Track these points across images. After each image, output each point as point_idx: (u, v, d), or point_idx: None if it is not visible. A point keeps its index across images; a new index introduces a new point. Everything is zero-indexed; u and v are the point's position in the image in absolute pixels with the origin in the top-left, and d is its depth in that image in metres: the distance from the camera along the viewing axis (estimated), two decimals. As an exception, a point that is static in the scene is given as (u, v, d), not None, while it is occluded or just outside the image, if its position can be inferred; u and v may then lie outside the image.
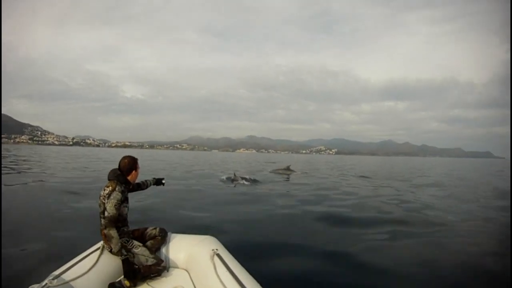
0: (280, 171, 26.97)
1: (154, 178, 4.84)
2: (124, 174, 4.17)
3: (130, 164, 4.20)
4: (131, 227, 4.30)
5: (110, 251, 3.86)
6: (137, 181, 4.44)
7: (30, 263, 5.16)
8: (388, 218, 9.37)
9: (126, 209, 4.13)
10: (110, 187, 3.93)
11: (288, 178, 22.45)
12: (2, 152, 50.88)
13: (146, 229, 4.33)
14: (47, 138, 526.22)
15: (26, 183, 14.78)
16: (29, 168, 23.89)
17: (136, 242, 4.04)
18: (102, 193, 3.96)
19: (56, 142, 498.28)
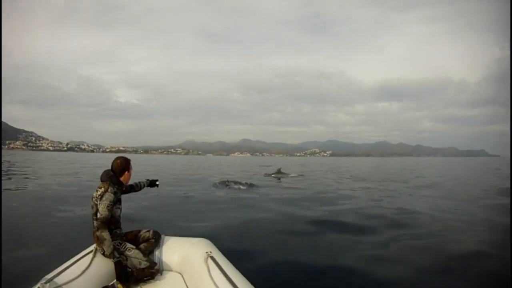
0: (273, 175, 26.97)
1: (147, 180, 4.85)
2: (117, 175, 4.16)
3: (122, 165, 4.20)
4: (124, 229, 4.30)
5: (103, 254, 3.84)
6: (130, 182, 4.48)
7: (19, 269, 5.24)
8: (383, 222, 9.25)
9: (119, 210, 4.12)
10: (103, 188, 3.92)
11: (280, 181, 22.44)
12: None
13: (139, 231, 4.35)
14: (42, 143, 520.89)
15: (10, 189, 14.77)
16: (14, 174, 23.99)
17: (129, 245, 4.02)
18: (94, 195, 3.94)
19: (51, 148, 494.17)
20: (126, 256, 3.89)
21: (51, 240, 7.06)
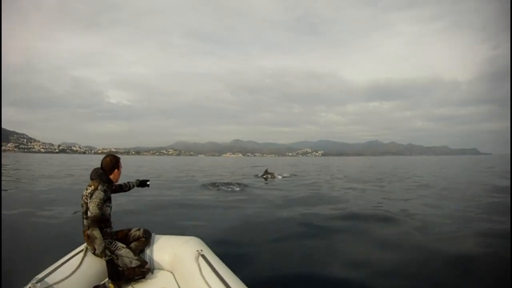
0: (264, 176, 26.73)
1: (137, 180, 4.79)
2: (107, 173, 4.13)
3: (112, 162, 4.18)
4: (114, 228, 4.26)
5: (94, 253, 3.83)
6: (120, 182, 4.48)
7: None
8: (377, 223, 8.95)
9: (109, 209, 4.10)
10: (92, 186, 3.89)
11: (269, 182, 22.19)
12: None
13: (130, 230, 4.33)
14: (33, 145, 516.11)
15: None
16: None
17: (119, 244, 4.02)
18: (84, 193, 3.92)
19: (42, 150, 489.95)
20: (116, 255, 3.83)
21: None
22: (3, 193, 14.13)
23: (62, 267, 3.48)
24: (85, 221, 3.85)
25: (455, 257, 6.18)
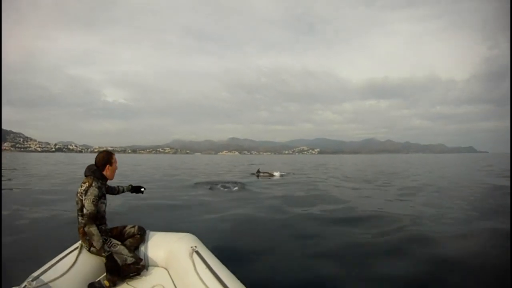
0: (259, 174, 26.45)
1: (130, 185, 4.73)
2: (100, 169, 4.05)
3: (104, 158, 4.10)
4: (109, 225, 4.20)
5: (89, 250, 3.81)
6: (116, 180, 4.33)
7: None
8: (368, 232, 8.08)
9: (104, 205, 4.02)
10: (87, 183, 3.82)
11: (266, 181, 21.63)
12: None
13: (124, 227, 4.28)
14: (30, 145, 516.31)
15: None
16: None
17: (114, 241, 3.93)
18: (79, 190, 3.84)
19: (39, 149, 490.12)
20: (111, 252, 3.76)
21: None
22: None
23: (57, 265, 3.46)
24: (80, 218, 3.79)
25: (457, 258, 6.07)
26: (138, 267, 3.87)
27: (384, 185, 18.91)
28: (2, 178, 21.39)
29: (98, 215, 3.85)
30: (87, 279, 3.59)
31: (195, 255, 3.68)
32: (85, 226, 3.70)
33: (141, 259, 3.96)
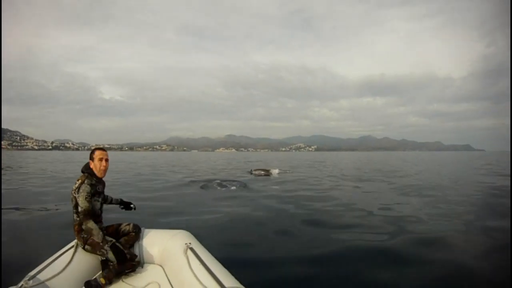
0: (257, 172, 25.97)
1: (121, 199, 4.73)
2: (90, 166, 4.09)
3: (90, 155, 4.14)
4: (104, 223, 4.21)
5: (84, 248, 3.82)
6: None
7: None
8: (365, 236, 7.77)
9: (99, 203, 4.03)
10: (80, 181, 3.87)
11: (264, 179, 21.42)
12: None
13: (119, 225, 4.30)
14: (27, 143, 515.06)
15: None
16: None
17: (108, 238, 3.89)
18: (73, 187, 3.88)
19: (36, 147, 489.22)
20: (106, 250, 3.77)
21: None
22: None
23: (53, 264, 3.48)
24: (74, 215, 3.83)
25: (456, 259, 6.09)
26: (133, 264, 3.88)
27: (383, 183, 18.73)
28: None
29: (92, 213, 3.85)
30: (84, 277, 3.59)
31: (189, 252, 3.71)
32: (81, 224, 3.73)
33: (136, 256, 3.97)
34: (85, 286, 3.47)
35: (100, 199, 4.07)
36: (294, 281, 5.02)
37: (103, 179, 4.31)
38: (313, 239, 7.16)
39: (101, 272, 3.75)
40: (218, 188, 15.93)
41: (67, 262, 3.59)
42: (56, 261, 3.55)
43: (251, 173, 25.83)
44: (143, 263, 4.18)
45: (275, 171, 26.32)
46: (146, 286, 3.66)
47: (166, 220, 8.90)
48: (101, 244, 3.78)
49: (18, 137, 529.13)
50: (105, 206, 4.10)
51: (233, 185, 16.71)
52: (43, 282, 3.13)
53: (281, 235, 7.53)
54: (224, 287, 3.01)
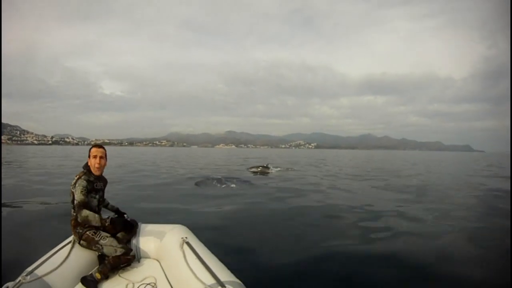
0: (257, 169, 25.75)
1: (117, 208, 4.63)
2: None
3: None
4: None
5: (79, 243, 3.84)
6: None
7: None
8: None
9: (95, 200, 4.03)
10: (77, 176, 3.90)
11: (263, 177, 21.24)
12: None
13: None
14: (26, 137, 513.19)
15: None
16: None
17: (103, 233, 3.90)
18: (72, 183, 3.91)
19: (35, 142, 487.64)
20: (101, 245, 3.80)
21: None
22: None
23: (50, 259, 3.50)
24: (72, 210, 3.86)
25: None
26: (129, 258, 3.87)
27: (385, 183, 18.31)
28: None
29: (89, 209, 3.85)
30: (81, 273, 3.61)
31: (185, 246, 3.75)
32: (77, 216, 3.76)
33: (131, 249, 3.97)
34: (81, 281, 3.50)
35: (97, 196, 4.07)
36: (289, 275, 5.12)
37: (105, 177, 4.34)
38: (310, 236, 7.21)
39: (97, 267, 3.73)
40: (216, 185, 15.85)
41: (64, 257, 3.60)
42: (53, 257, 3.57)
43: (249, 170, 25.68)
44: (140, 257, 4.19)
45: (273, 169, 26.12)
46: (142, 280, 3.66)
47: (163, 215, 8.94)
48: (96, 239, 3.81)
49: (18, 132, 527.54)
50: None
51: (231, 182, 16.60)
52: (40, 277, 3.16)
53: (277, 232, 7.59)
54: (220, 281, 3.01)
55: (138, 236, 4.31)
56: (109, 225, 3.89)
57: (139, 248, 4.22)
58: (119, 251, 3.79)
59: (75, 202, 3.77)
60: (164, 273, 3.83)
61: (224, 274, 3.17)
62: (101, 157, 4.10)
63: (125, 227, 4.05)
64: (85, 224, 3.82)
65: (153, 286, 3.57)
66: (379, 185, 17.33)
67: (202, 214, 9.19)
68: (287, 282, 4.96)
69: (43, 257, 3.57)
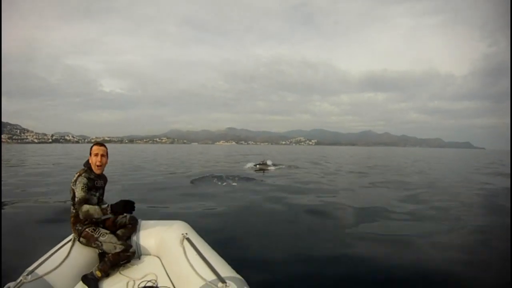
0: (256, 166, 25.54)
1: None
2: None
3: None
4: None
5: (79, 241, 3.83)
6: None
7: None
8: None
9: (95, 198, 3.98)
10: (78, 174, 3.87)
11: (262, 174, 20.96)
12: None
13: (116, 217, 4.24)
14: (27, 136, 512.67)
15: None
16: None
17: (103, 230, 3.89)
18: (72, 180, 3.87)
19: (36, 140, 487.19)
20: (100, 242, 3.78)
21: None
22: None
23: (51, 258, 3.48)
24: (71, 207, 3.85)
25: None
26: (128, 254, 3.84)
27: (387, 181, 17.91)
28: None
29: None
30: (81, 271, 3.60)
31: (185, 242, 3.73)
32: (77, 215, 3.77)
33: (130, 246, 3.94)
34: (82, 280, 3.50)
35: (97, 194, 4.04)
36: (289, 272, 5.14)
37: (106, 175, 4.32)
38: (310, 235, 7.22)
39: (97, 265, 3.71)
40: (216, 182, 15.77)
41: (64, 256, 3.58)
42: (54, 256, 3.55)
43: (249, 168, 25.57)
44: (140, 254, 4.18)
45: (273, 166, 26.09)
46: (143, 277, 3.65)
47: (162, 212, 9.01)
48: (95, 236, 3.80)
49: (18, 131, 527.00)
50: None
51: (230, 180, 16.56)
52: (41, 277, 3.15)
53: (277, 229, 7.63)
54: (220, 277, 3.00)
55: (138, 232, 4.29)
56: (111, 212, 3.72)
57: (139, 244, 4.21)
58: (119, 247, 3.76)
59: (76, 199, 3.73)
60: (165, 269, 3.81)
61: (225, 270, 3.15)
62: (102, 155, 4.07)
63: (125, 208, 3.83)
64: (85, 221, 3.83)
65: (154, 283, 3.55)
66: (381, 182, 17.22)
67: (202, 211, 9.22)
68: (288, 279, 4.97)
69: (43, 256, 3.54)
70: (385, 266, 5.44)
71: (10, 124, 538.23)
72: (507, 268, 5.37)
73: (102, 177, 4.19)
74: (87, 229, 3.83)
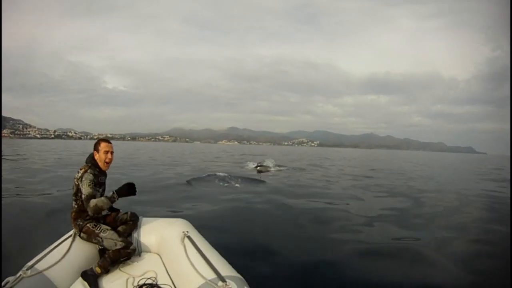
0: (257, 167, 25.01)
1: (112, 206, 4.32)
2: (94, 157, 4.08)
3: (94, 146, 4.11)
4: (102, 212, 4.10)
5: (79, 236, 3.87)
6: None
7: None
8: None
9: (99, 194, 3.98)
10: (83, 170, 3.91)
11: (262, 175, 20.76)
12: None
13: (117, 213, 4.29)
14: (29, 131, 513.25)
15: None
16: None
17: (104, 226, 3.92)
18: (76, 176, 3.92)
19: (38, 136, 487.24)
20: (101, 238, 3.81)
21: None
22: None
23: (51, 253, 3.49)
24: (73, 202, 3.91)
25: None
26: (128, 251, 3.85)
27: (393, 187, 16.98)
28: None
29: None
30: (81, 267, 3.60)
31: (186, 240, 3.75)
32: (80, 211, 3.86)
33: (131, 243, 3.94)
34: (81, 276, 3.49)
35: (100, 190, 4.06)
36: (288, 272, 5.21)
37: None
38: (310, 237, 7.33)
39: (97, 261, 3.71)
40: (218, 183, 15.69)
41: (64, 251, 3.59)
42: (54, 251, 3.56)
43: (251, 168, 25.35)
44: (141, 251, 4.20)
45: (274, 167, 25.71)
46: (143, 274, 3.65)
47: (163, 210, 9.04)
48: (96, 232, 3.82)
49: (21, 126, 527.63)
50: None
51: (232, 180, 16.43)
52: (41, 272, 3.15)
53: (277, 230, 7.72)
54: (220, 275, 2.99)
55: (139, 230, 4.30)
56: (118, 197, 3.85)
57: (139, 242, 4.21)
58: (119, 244, 3.77)
59: (83, 196, 3.74)
60: (165, 267, 3.82)
61: (225, 269, 3.16)
62: (111, 153, 4.16)
63: (129, 190, 3.95)
64: (86, 216, 3.86)
65: (153, 280, 3.55)
66: (385, 186, 16.97)
67: (202, 210, 9.26)
68: (288, 279, 5.02)
69: (43, 251, 3.54)
70: (388, 275, 5.36)
71: (12, 119, 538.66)
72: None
73: (104, 173, 4.21)
74: (88, 225, 3.85)
